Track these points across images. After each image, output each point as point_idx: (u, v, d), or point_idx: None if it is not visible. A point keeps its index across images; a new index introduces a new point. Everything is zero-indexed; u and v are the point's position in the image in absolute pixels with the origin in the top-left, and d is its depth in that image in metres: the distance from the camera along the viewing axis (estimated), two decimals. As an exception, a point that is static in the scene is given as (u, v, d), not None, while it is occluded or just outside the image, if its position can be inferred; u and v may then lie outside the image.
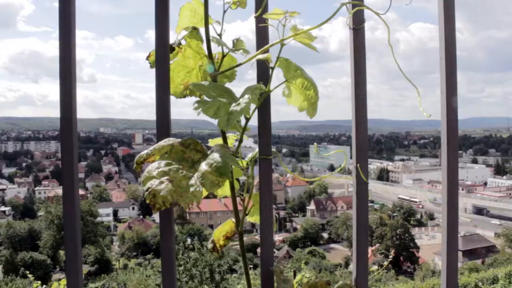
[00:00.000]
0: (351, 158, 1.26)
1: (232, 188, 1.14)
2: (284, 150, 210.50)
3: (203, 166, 0.97)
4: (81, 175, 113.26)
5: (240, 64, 1.16)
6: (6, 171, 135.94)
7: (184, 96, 1.20)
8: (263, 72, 1.12)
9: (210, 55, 1.14)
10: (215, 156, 0.98)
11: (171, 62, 1.17)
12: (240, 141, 1.08)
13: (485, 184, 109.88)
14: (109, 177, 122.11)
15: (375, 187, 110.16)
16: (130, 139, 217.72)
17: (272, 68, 1.11)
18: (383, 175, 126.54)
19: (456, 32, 1.22)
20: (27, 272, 6.99)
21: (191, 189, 0.95)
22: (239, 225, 1.14)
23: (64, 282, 5.39)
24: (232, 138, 1.10)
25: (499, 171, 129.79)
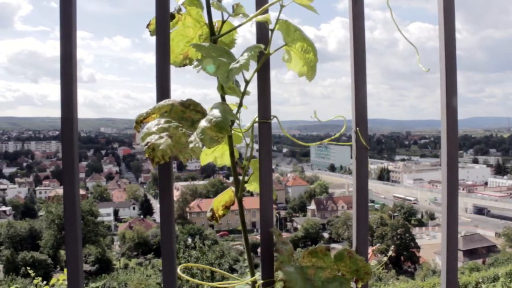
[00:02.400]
0: (351, 158, 1.25)
1: (231, 154, 1.14)
2: (284, 150, 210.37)
3: (203, 123, 0.97)
4: (82, 175, 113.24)
5: (240, 25, 1.15)
6: (7, 171, 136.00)
7: (184, 65, 1.20)
8: (263, 36, 1.12)
9: (210, 19, 1.14)
10: (215, 112, 0.99)
11: (171, 31, 1.17)
12: (240, 105, 1.08)
13: (486, 184, 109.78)
14: (109, 177, 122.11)
15: (375, 187, 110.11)
16: (130, 139, 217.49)
17: (272, 30, 1.10)
18: (383, 175, 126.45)
19: (455, 31, 1.22)
20: (26, 266, 7.01)
21: (190, 145, 0.95)
22: (239, 192, 1.14)
23: (62, 277, 5.42)
24: (232, 106, 1.09)
25: (500, 171, 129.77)
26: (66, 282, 5.68)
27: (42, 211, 52.06)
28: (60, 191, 69.65)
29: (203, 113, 1.03)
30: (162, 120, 0.99)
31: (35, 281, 5.75)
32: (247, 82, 1.07)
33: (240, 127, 1.14)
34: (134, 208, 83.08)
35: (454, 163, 1.20)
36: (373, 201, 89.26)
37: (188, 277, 1.08)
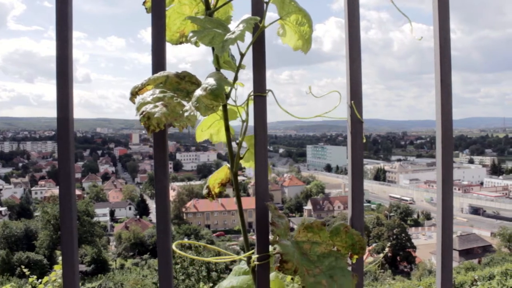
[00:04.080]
0: (347, 158, 1.25)
1: (227, 128, 1.13)
2: (281, 150, 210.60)
3: (198, 91, 0.97)
4: (78, 175, 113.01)
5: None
6: (3, 171, 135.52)
7: (181, 43, 1.20)
8: (258, 10, 1.11)
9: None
10: (209, 81, 0.98)
11: (167, 9, 1.17)
12: (235, 79, 1.07)
13: (482, 184, 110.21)
14: (106, 177, 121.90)
15: (372, 187, 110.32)
16: (127, 139, 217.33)
17: (267, 3, 1.11)
18: (379, 175, 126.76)
19: (450, 32, 1.23)
20: (23, 267, 6.97)
21: (186, 114, 0.95)
22: (234, 167, 1.14)
23: (57, 267, 5.40)
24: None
25: (495, 171, 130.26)
26: (59, 280, 5.67)
27: (38, 211, 51.87)
28: (55, 191, 69.49)
29: (198, 85, 1.03)
30: (157, 91, 0.99)
31: (30, 279, 5.71)
32: (242, 55, 1.07)
33: (236, 104, 1.14)
34: (130, 208, 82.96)
35: (449, 163, 1.21)
36: (369, 201, 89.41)
37: (182, 253, 1.07)
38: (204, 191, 1.26)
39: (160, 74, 1.04)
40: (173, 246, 1.12)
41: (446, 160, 1.20)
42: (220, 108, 1.13)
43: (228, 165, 1.19)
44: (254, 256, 1.11)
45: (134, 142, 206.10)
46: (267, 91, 1.09)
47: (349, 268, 1.03)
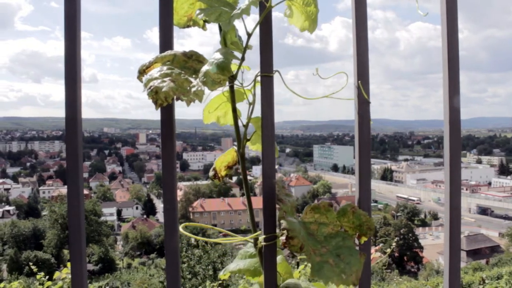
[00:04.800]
0: (354, 158, 1.25)
1: (234, 109, 1.13)
2: (287, 150, 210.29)
3: (205, 67, 0.98)
4: (85, 175, 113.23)
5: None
6: (11, 170, 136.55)
7: (188, 26, 1.19)
8: None
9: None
10: (216, 55, 0.99)
11: None
12: (242, 59, 1.07)
13: (489, 184, 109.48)
14: (113, 177, 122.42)
15: (378, 187, 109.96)
16: (134, 139, 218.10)
17: None
18: (387, 175, 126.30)
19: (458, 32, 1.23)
20: (31, 263, 7.02)
21: (193, 89, 0.95)
22: (241, 148, 1.13)
23: (65, 270, 5.43)
24: (234, 65, 1.08)
25: (504, 171, 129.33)
26: (69, 276, 5.69)
27: (46, 210, 52.17)
28: (63, 190, 69.87)
29: (205, 63, 1.03)
30: (165, 67, 1.00)
31: (37, 276, 5.74)
32: (249, 35, 1.07)
33: (242, 86, 1.14)
34: (137, 208, 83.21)
35: (456, 163, 1.20)
36: (376, 201, 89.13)
37: (188, 234, 1.07)
38: (211, 173, 1.26)
39: (168, 52, 1.05)
40: (180, 228, 1.12)
41: (454, 160, 1.20)
42: (227, 89, 1.13)
43: (235, 148, 1.19)
44: (261, 237, 1.10)
45: (141, 142, 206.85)
46: (274, 71, 1.09)
47: (357, 248, 1.03)
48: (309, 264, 0.97)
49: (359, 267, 0.99)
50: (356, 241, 1.09)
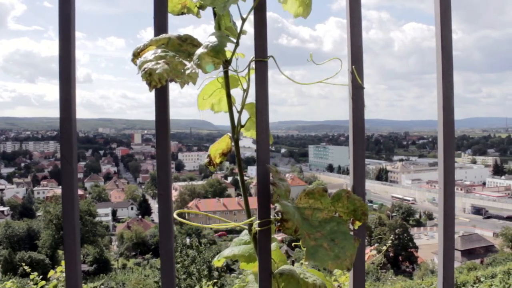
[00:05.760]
0: (349, 158, 1.25)
1: (228, 95, 1.14)
2: (283, 150, 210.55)
3: (199, 50, 0.98)
4: (80, 175, 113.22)
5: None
6: (5, 171, 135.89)
7: (182, 13, 1.19)
8: None
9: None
10: (210, 38, 0.99)
11: None
12: (237, 44, 1.07)
13: (484, 184, 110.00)
14: (108, 177, 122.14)
15: (374, 187, 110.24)
16: (129, 139, 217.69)
17: None
18: (382, 175, 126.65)
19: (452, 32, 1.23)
20: (24, 264, 6.99)
21: (187, 71, 0.95)
22: (235, 134, 1.14)
23: (60, 268, 5.40)
24: (228, 52, 1.09)
25: (498, 171, 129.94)
26: (63, 275, 5.67)
27: (40, 211, 51.98)
28: (58, 191, 69.58)
29: (199, 47, 1.03)
30: (159, 50, 1.00)
31: (31, 276, 5.71)
32: (243, 20, 1.07)
33: (237, 73, 1.14)
34: (132, 208, 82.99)
35: (451, 163, 1.20)
36: (371, 201, 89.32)
37: (183, 220, 1.07)
38: (205, 160, 1.26)
39: (162, 36, 1.05)
40: (174, 214, 1.12)
41: (448, 160, 1.21)
42: (222, 75, 1.13)
43: (230, 135, 1.19)
44: (256, 223, 1.11)
45: (136, 142, 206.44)
46: (268, 57, 1.09)
47: (351, 233, 1.03)
48: (305, 263, 0.97)
49: (353, 252, 1.00)
50: (351, 226, 1.09)
